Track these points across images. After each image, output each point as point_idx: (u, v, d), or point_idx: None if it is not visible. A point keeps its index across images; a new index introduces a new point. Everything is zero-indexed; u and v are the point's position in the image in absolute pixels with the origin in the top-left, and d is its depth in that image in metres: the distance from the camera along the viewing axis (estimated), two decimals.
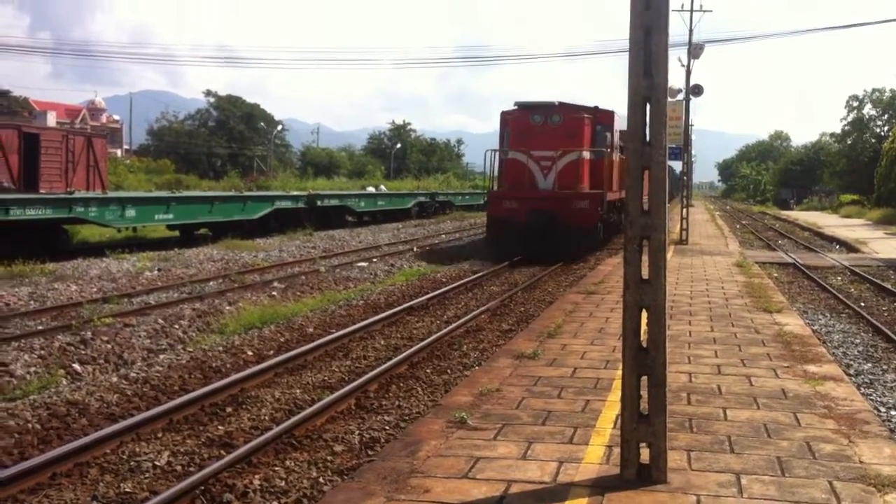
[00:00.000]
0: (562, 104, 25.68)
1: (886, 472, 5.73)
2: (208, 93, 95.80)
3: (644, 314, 5.62)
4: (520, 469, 5.77)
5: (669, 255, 24.00)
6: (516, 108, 26.05)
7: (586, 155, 25.50)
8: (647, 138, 5.62)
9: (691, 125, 43.69)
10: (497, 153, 27.01)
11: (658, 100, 5.58)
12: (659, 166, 5.60)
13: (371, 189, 54.59)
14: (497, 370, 8.88)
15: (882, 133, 72.90)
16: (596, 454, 6.11)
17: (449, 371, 10.32)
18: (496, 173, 27.11)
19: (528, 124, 25.14)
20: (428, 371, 10.24)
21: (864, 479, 5.60)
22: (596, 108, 26.91)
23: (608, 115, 27.05)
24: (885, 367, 11.28)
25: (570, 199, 24.20)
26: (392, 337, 12.67)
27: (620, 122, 26.24)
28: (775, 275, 21.70)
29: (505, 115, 26.59)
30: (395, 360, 10.49)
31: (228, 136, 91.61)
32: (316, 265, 22.16)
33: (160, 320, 13.43)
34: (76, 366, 10.59)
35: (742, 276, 18.59)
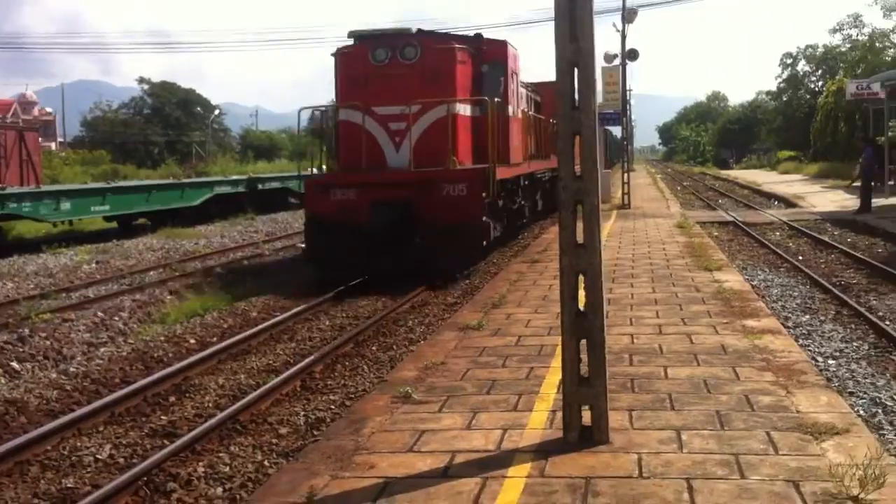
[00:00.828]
0: (421, 32, 17.31)
1: (823, 420, 5.84)
2: (141, 80, 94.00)
3: (581, 278, 5.65)
4: (464, 439, 5.78)
5: (612, 219, 24.25)
6: (352, 41, 17.29)
7: (463, 109, 16.91)
8: (577, 103, 5.62)
9: (629, 90, 43.87)
10: (326, 113, 19.49)
11: (586, 64, 5.58)
12: (589, 131, 5.61)
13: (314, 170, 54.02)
14: (442, 343, 8.89)
15: (816, 89, 74.02)
16: (540, 420, 6.15)
17: (395, 347, 10.31)
18: (327, 145, 19.37)
19: (368, 66, 16.45)
20: (374, 348, 10.23)
21: (801, 428, 5.70)
22: (479, 37, 18.49)
23: (499, 50, 18.40)
24: (822, 317, 11.52)
25: (436, 182, 15.60)
26: (337, 317, 12.61)
27: (517, 64, 19.49)
28: (715, 234, 21.99)
29: (336, 56, 17.23)
30: (340, 339, 10.45)
31: (164, 124, 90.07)
32: (259, 249, 21.95)
33: (100, 313, 13.20)
34: (14, 364, 10.36)
35: (683, 237, 18.83)
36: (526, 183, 21.39)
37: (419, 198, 15.44)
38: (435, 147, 15.94)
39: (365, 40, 16.87)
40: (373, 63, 16.42)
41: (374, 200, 15.46)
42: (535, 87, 24.26)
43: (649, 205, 31.82)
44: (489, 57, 18.14)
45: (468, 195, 15.48)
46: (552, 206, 25.92)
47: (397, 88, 16.11)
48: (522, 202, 21.15)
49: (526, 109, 21.60)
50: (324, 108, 19.60)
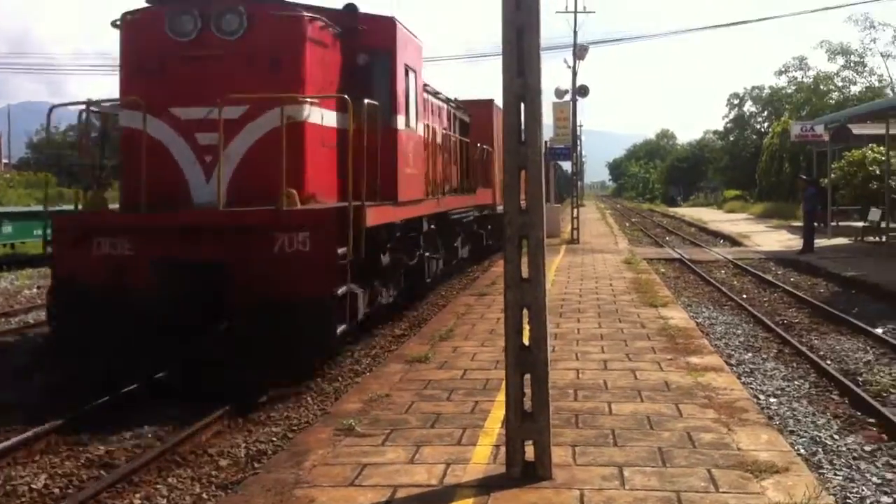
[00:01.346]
0: None
1: (763, 458, 5.89)
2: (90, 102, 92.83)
3: (526, 312, 5.65)
4: (407, 473, 5.72)
5: (561, 254, 24.41)
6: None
7: (318, 115, 11.14)
8: (523, 138, 5.65)
9: (580, 125, 44.41)
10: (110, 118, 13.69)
11: (532, 99, 5.62)
12: (535, 166, 5.64)
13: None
14: (387, 375, 8.83)
15: (762, 129, 75.62)
16: (483, 454, 6.12)
17: (339, 378, 10.20)
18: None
19: (163, 42, 10.63)
20: (318, 380, 10.10)
21: (742, 466, 5.74)
22: (352, 9, 12.57)
23: (384, 32, 12.70)
24: (764, 355, 11.65)
25: (261, 231, 9.88)
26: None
27: (417, 57, 14.01)
28: (662, 270, 22.23)
29: (120, 26, 11.16)
30: None
31: (114, 147, 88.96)
32: None
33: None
34: None
35: (630, 273, 19.00)
36: (433, 227, 15.58)
37: (235, 255, 9.58)
38: (270, 174, 9.83)
39: (161, 4, 10.73)
40: (171, 37, 10.44)
41: (162, 259, 9.64)
42: (461, 105, 20.82)
43: (598, 240, 32.09)
44: (370, 42, 12.32)
45: (312, 251, 9.64)
46: (483, 254, 24.38)
47: (209, 79, 10.23)
48: (428, 253, 15.31)
49: (440, 128, 16.37)
50: (91, 108, 12.20)
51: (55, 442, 7.77)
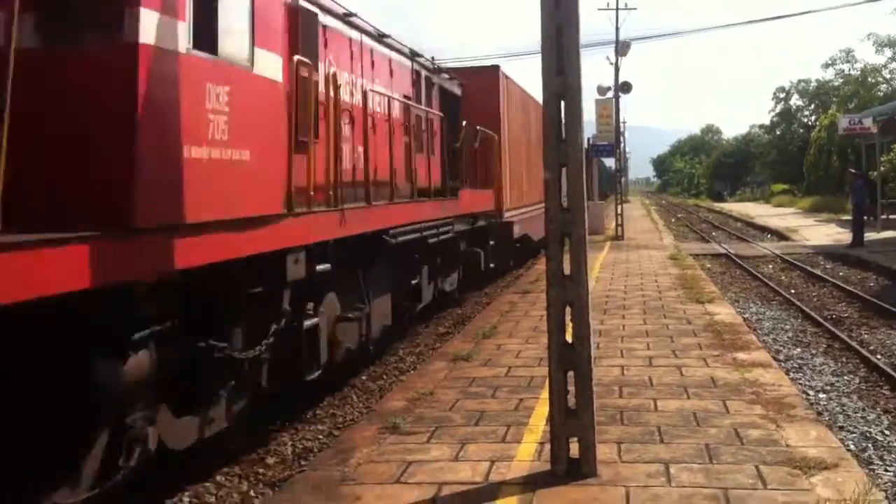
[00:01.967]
0: None
1: (812, 455, 5.82)
2: None
3: (568, 310, 5.65)
4: (452, 471, 5.74)
5: (605, 250, 24.29)
6: None
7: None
8: (563, 135, 5.65)
9: (623, 122, 44.22)
10: None
11: (572, 97, 5.61)
12: (576, 163, 5.63)
13: None
14: (432, 373, 8.87)
15: (809, 123, 74.47)
16: (528, 451, 6.12)
17: (384, 377, 10.27)
18: None
19: None
20: (363, 378, 10.17)
21: (791, 462, 5.68)
22: None
23: None
24: (813, 351, 11.51)
25: None
26: None
27: None
28: (708, 266, 22.03)
29: None
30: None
31: None
32: None
33: None
34: None
35: (676, 269, 18.86)
36: (349, 261, 9.18)
37: None
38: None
39: None
40: None
41: None
42: (448, 72, 15.71)
43: (643, 236, 31.87)
44: None
45: None
46: (483, 279, 17.64)
47: None
48: (316, 322, 8.00)
49: (394, 94, 11.07)
50: None
51: None
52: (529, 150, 22.34)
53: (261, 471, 7.02)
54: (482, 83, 17.42)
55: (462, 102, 15.85)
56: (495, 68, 18.63)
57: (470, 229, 15.53)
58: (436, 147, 13.25)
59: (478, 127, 15.60)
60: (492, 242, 17.01)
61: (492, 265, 17.10)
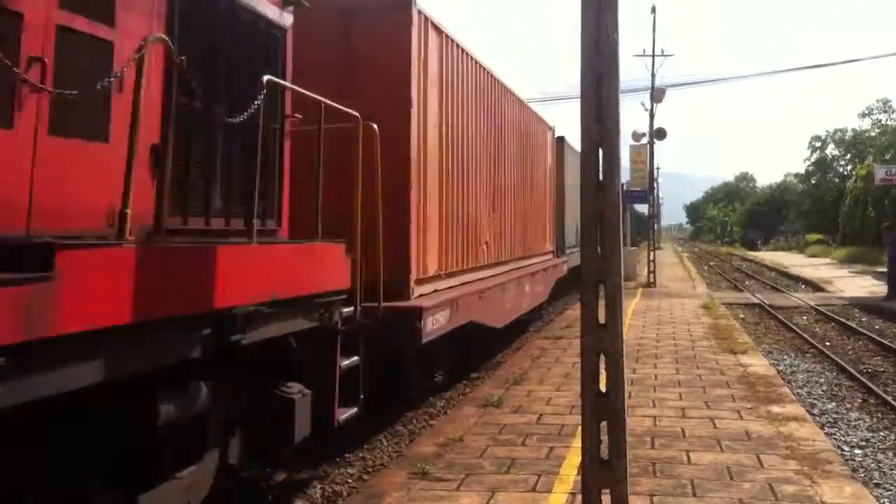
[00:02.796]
0: None
1: None
2: None
3: (602, 359, 5.61)
4: None
5: (637, 297, 24.12)
6: None
7: None
8: (601, 184, 5.65)
9: (657, 168, 44.18)
10: None
11: (610, 144, 5.61)
12: (613, 210, 5.62)
13: None
14: (462, 419, 8.83)
15: (845, 172, 74.11)
16: (559, 502, 6.06)
17: (414, 421, 10.22)
18: None
19: None
20: (392, 421, 10.13)
21: None
22: None
23: None
24: (848, 405, 11.32)
25: None
26: None
27: None
28: (741, 316, 21.81)
29: None
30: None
31: None
32: None
33: None
34: None
35: (708, 318, 18.69)
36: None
37: None
38: None
39: None
40: None
41: None
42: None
43: (675, 284, 31.66)
44: None
45: None
46: None
47: None
48: None
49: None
50: None
51: None
52: (504, 171, 14.69)
53: None
54: (372, 25, 9.83)
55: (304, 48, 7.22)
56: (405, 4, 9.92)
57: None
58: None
59: (324, 102, 6.66)
60: (347, 363, 7.01)
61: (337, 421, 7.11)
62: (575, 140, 18.53)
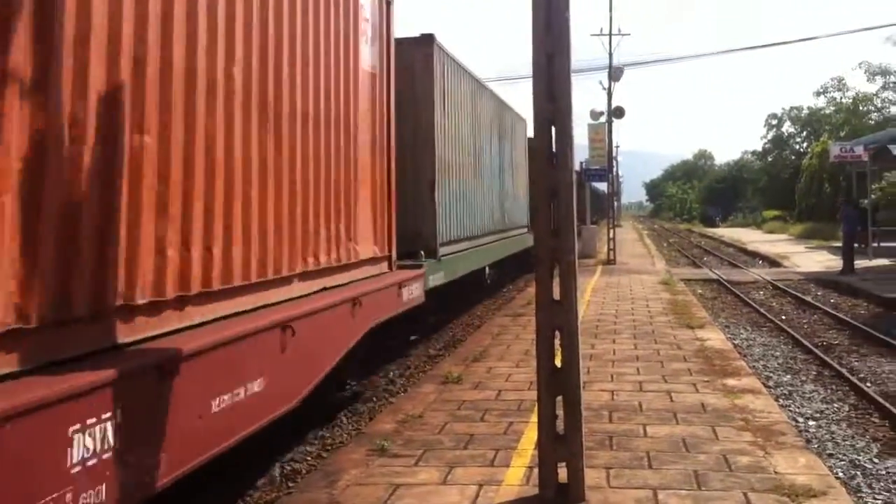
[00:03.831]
0: None
1: (801, 482, 5.83)
2: None
3: (557, 335, 5.66)
4: (439, 494, 5.74)
5: (597, 274, 24.31)
6: None
7: None
8: (554, 161, 5.68)
9: (617, 146, 44.43)
10: None
11: (563, 122, 5.65)
12: (566, 188, 5.66)
13: None
14: (421, 396, 8.86)
15: (801, 149, 74.92)
16: (516, 476, 6.11)
17: (374, 399, 10.25)
18: None
19: None
20: (353, 400, 10.14)
21: (779, 490, 5.69)
22: None
23: None
24: (803, 378, 11.51)
25: None
26: None
27: None
28: (699, 291, 22.05)
29: None
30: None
31: None
32: None
33: None
34: None
35: (667, 294, 18.88)
36: None
37: None
38: None
39: None
40: None
41: None
42: None
43: (635, 261, 31.91)
44: None
45: None
46: None
47: None
48: None
49: None
50: None
51: None
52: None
53: (249, 492, 6.99)
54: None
55: None
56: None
57: None
58: None
59: None
60: None
61: None
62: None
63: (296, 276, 6.99)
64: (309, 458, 7.85)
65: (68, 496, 3.69)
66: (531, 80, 5.66)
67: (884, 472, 7.49)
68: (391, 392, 10.60)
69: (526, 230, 22.49)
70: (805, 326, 16.40)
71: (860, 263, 26.49)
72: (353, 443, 7.38)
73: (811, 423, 9.21)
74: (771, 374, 11.65)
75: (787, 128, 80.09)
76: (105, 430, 3.98)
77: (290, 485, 7.09)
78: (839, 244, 30.46)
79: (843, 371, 11.64)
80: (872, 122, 60.26)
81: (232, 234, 5.88)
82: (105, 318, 4.52)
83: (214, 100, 5.67)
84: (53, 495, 3.61)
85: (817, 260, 32.18)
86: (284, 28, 6.90)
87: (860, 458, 7.92)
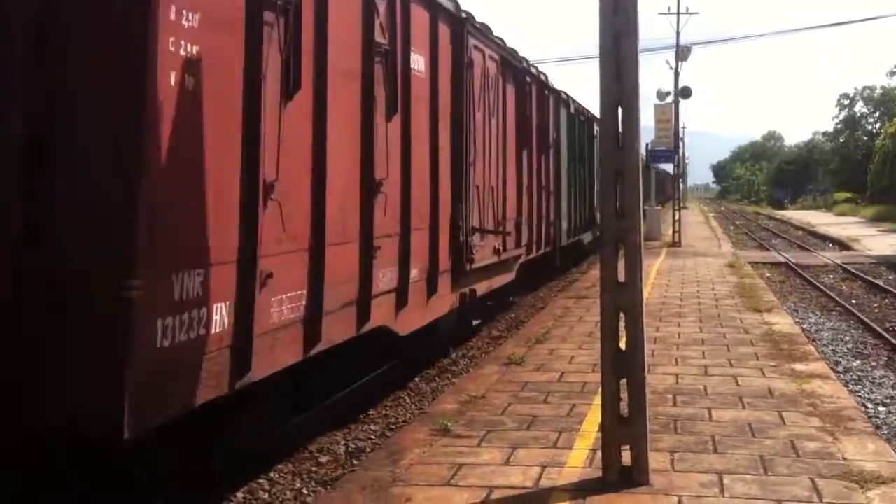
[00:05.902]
0: None
1: (869, 469, 5.73)
2: None
3: (622, 317, 5.63)
4: (502, 475, 5.76)
5: (662, 257, 24.07)
6: None
7: None
8: (620, 142, 5.63)
9: (683, 127, 43.80)
10: None
11: (629, 103, 5.60)
12: (632, 170, 5.62)
13: None
14: (484, 377, 8.88)
15: (874, 130, 73.16)
16: (579, 458, 6.11)
17: (436, 379, 10.31)
18: None
19: None
20: (416, 379, 10.22)
21: (847, 476, 5.60)
22: None
23: None
24: (873, 363, 11.29)
25: None
26: None
27: None
28: (767, 274, 21.72)
29: None
30: (382, 368, 10.41)
31: None
32: None
33: None
34: None
35: (733, 277, 18.62)
36: None
37: None
38: None
39: None
40: None
41: None
42: None
43: (700, 243, 31.52)
44: None
45: None
46: None
47: None
48: None
49: None
50: None
51: None
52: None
53: (314, 469, 7.10)
54: None
55: None
56: None
57: None
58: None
59: None
60: None
61: None
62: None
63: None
64: (373, 437, 7.93)
65: None
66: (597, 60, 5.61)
67: None
68: (454, 372, 10.65)
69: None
70: (876, 311, 16.07)
71: None
72: (416, 422, 7.44)
73: (881, 409, 9.05)
74: (840, 359, 11.46)
75: (860, 108, 78.27)
76: None
77: (355, 462, 7.17)
78: None
79: None
80: None
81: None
82: None
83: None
84: None
85: (889, 243, 31.44)
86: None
87: None
